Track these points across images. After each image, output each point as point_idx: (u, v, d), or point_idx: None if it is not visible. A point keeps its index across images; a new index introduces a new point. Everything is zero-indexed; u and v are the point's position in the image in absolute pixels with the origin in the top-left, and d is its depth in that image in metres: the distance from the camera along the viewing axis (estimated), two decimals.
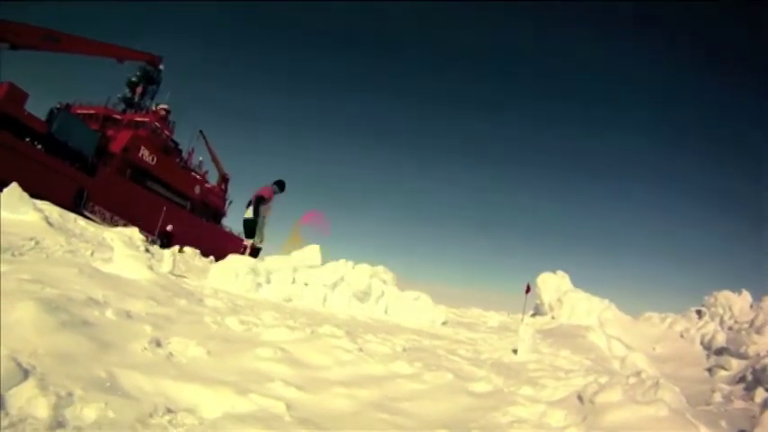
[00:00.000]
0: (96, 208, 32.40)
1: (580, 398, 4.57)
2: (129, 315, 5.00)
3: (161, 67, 42.38)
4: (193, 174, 44.53)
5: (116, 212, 33.48)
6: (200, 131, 46.33)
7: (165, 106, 42.07)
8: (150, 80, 42.41)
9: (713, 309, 21.34)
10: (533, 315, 21.30)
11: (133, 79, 41.88)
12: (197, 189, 43.69)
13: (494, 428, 3.79)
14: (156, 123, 40.05)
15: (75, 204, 29.29)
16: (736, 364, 15.98)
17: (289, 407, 3.56)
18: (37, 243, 8.01)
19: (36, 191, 12.51)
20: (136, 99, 41.77)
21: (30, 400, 2.75)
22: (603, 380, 4.72)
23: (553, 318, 20.01)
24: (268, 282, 8.95)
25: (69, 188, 30.10)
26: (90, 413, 2.83)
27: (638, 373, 5.00)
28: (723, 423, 4.57)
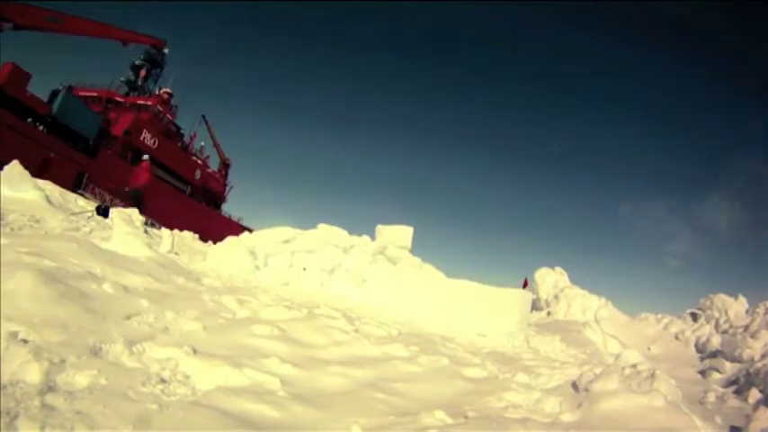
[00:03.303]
0: (96, 190, 32.32)
1: (575, 386, 4.55)
2: (126, 289, 4.98)
3: (165, 50, 42.10)
4: (194, 158, 44.37)
5: (116, 195, 33.39)
6: (203, 116, 46.09)
7: (168, 90, 41.85)
8: (154, 63, 42.12)
9: (708, 312, 21.38)
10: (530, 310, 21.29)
11: (137, 62, 41.63)
12: (198, 174, 43.53)
13: (489, 412, 3.77)
14: (159, 107, 39.85)
15: (76, 186, 29.21)
16: (729, 367, 16.03)
17: (283, 383, 3.55)
18: (37, 220, 8.00)
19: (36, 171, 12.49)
20: (139, 82, 41.54)
21: (22, 366, 2.72)
22: (599, 370, 4.70)
23: (549, 313, 20.02)
24: (266, 265, 8.94)
25: (70, 170, 30.01)
26: (82, 380, 2.81)
27: (634, 365, 4.99)
28: (718, 419, 4.55)
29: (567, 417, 3.71)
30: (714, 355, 17.49)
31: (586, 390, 4.26)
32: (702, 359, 17.98)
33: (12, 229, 6.60)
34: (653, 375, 4.39)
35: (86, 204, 15.02)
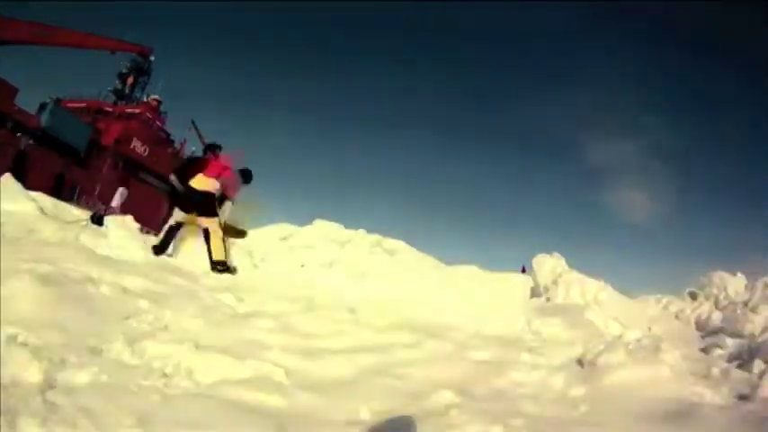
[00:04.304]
0: (89, 201, 32.19)
1: (580, 362, 4.54)
2: (124, 290, 4.96)
3: (151, 57, 41.91)
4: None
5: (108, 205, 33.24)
6: (192, 122, 45.83)
7: (156, 97, 41.68)
8: (141, 71, 41.95)
9: (707, 289, 21.40)
10: (529, 295, 21.24)
11: (124, 71, 41.45)
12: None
13: (497, 390, 3.78)
14: (148, 114, 39.72)
15: (68, 198, 29.10)
16: (731, 343, 16.03)
17: (287, 373, 3.52)
18: (31, 230, 7.94)
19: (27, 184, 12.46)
20: (127, 91, 41.37)
21: (23, 366, 2.70)
22: (602, 347, 4.69)
23: (548, 299, 19.92)
24: (263, 261, 8.89)
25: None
26: (83, 377, 2.79)
27: (638, 340, 4.99)
28: (724, 389, 4.55)
29: (575, 391, 3.71)
30: (715, 332, 17.48)
31: (592, 365, 4.25)
32: (703, 337, 17.97)
33: (7, 239, 6.54)
34: (658, 347, 4.38)
35: (80, 213, 14.94)
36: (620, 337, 9.02)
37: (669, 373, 3.79)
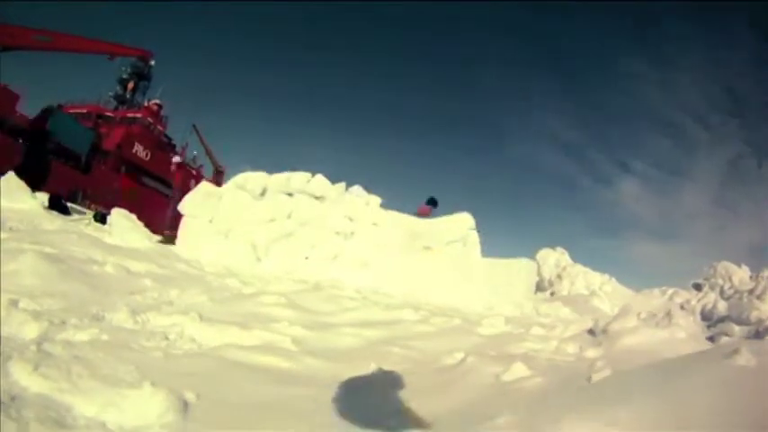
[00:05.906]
0: (92, 206, 32.18)
1: (592, 332, 4.50)
2: (128, 271, 4.93)
3: (152, 62, 41.86)
4: (188, 168, 44.19)
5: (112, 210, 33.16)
6: (194, 125, 45.62)
7: (157, 101, 41.66)
8: (141, 76, 41.89)
9: (712, 280, 21.37)
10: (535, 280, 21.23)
11: (124, 76, 41.42)
12: (192, 183, 43.36)
13: (511, 354, 3.72)
14: (149, 119, 39.69)
15: (71, 202, 29.10)
16: (738, 330, 15.98)
17: (295, 342, 3.46)
18: (35, 226, 7.93)
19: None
20: (128, 95, 41.37)
21: (21, 325, 2.66)
22: (612, 318, 4.65)
23: (552, 294, 19.92)
24: (267, 256, 8.86)
25: (64, 187, 29.92)
26: (83, 336, 2.73)
27: (648, 311, 4.95)
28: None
29: (590, 353, 3.66)
30: (721, 320, 17.48)
31: (604, 331, 4.20)
32: (709, 326, 17.91)
33: (11, 229, 6.53)
34: (669, 314, 4.34)
35: (84, 212, 14.95)
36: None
37: (684, 335, 3.74)
